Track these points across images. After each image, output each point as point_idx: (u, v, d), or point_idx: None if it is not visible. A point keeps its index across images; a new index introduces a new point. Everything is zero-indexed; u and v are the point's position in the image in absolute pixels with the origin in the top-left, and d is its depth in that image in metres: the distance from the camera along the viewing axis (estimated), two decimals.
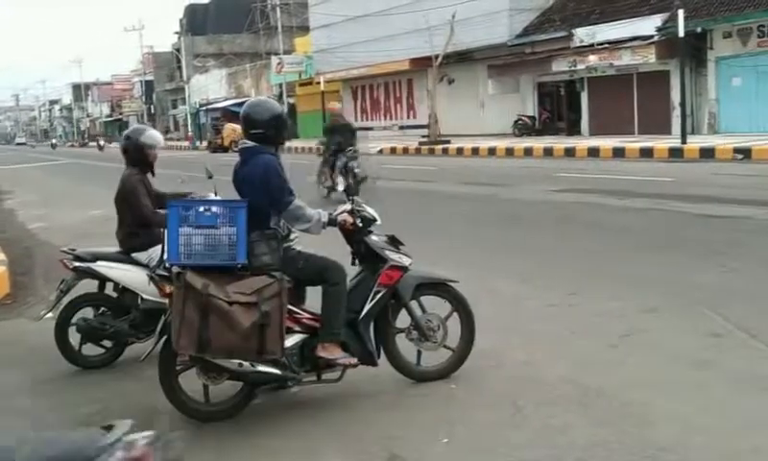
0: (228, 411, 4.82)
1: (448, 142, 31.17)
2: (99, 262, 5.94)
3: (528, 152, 25.67)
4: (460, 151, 28.71)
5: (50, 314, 6.13)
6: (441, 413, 4.69)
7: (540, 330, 6.26)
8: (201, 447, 4.53)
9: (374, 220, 5.11)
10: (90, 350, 6.04)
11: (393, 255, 5.07)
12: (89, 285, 6.15)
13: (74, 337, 5.99)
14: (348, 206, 5.03)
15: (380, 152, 32.71)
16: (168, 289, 4.57)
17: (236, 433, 4.64)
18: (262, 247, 4.69)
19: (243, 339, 4.42)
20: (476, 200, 15.14)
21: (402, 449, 4.24)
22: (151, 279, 4.88)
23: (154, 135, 6.31)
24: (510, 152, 26.37)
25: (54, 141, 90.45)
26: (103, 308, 6.08)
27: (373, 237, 5.10)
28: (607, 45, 27.51)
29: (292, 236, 4.98)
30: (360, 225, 5.00)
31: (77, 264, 5.93)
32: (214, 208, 4.65)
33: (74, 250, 6.08)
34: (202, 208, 4.65)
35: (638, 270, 8.08)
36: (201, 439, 4.62)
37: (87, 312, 6.06)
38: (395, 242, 5.16)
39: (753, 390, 4.74)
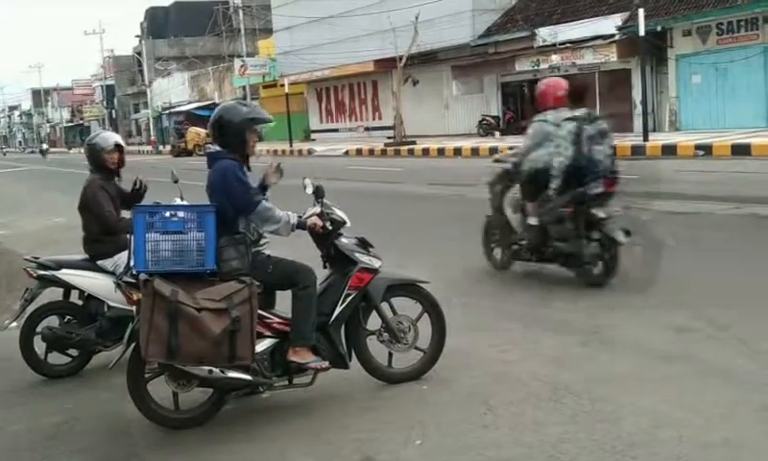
0: (199, 418, 4.77)
1: (414, 143, 31.24)
2: (63, 270, 5.85)
3: (494, 151, 25.62)
4: (426, 151, 28.77)
5: (14, 323, 6.04)
6: (413, 414, 4.69)
7: (508, 329, 6.29)
8: (173, 454, 4.50)
9: (344, 222, 5.09)
10: (56, 359, 5.95)
11: (363, 258, 5.05)
12: (54, 294, 6.07)
13: (39, 346, 5.89)
14: (317, 209, 5.00)
15: (346, 153, 32.73)
16: (135, 297, 4.51)
17: (209, 440, 4.59)
18: (231, 252, 4.64)
19: (213, 346, 4.38)
20: (443, 200, 15.18)
21: (376, 452, 4.23)
22: (117, 286, 4.82)
23: (106, 137, 6.20)
24: (475, 152, 26.47)
25: (44, 146, 69.64)
26: (68, 317, 5.99)
27: (343, 240, 5.08)
28: (569, 45, 27.77)
29: (261, 241, 4.94)
30: (330, 228, 4.98)
31: (41, 272, 5.84)
32: (181, 214, 4.60)
33: (38, 258, 5.99)
34: (168, 214, 4.60)
35: None
36: (172, 446, 4.58)
37: (53, 321, 5.97)
38: (364, 244, 5.15)
39: (721, 383, 4.80)
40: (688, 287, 7.02)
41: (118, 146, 6.14)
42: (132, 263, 4.61)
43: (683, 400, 4.58)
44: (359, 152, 32.47)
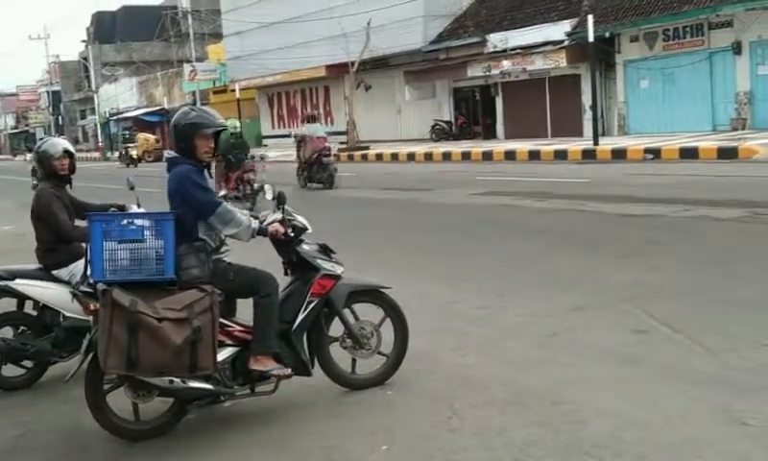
0: (160, 429, 4.68)
1: (367, 148, 31.27)
2: (18, 280, 5.70)
3: (447, 156, 25.94)
4: (379, 156, 28.84)
5: None
6: (378, 420, 4.68)
7: (470, 333, 6.31)
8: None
9: (305, 229, 5.04)
10: (10, 371, 5.80)
11: (325, 264, 5.01)
12: (8, 304, 5.92)
13: None
14: (278, 216, 4.95)
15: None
16: (93, 307, 4.41)
17: (171, 450, 4.52)
18: (191, 260, 4.58)
19: (174, 356, 4.30)
20: (399, 205, 15.21)
21: (343, 457, 4.21)
22: (74, 296, 4.72)
23: (54, 143, 6.06)
24: (429, 156, 26.61)
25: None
26: (23, 327, 5.84)
27: (305, 246, 5.03)
28: (519, 51, 28.05)
29: (222, 248, 4.88)
30: (292, 234, 4.93)
31: None
32: (138, 221, 4.52)
33: None
34: (125, 222, 4.51)
35: (562, 270, 8.25)
36: (133, 458, 4.49)
37: (6, 332, 5.82)
38: (326, 250, 5.12)
39: (680, 383, 4.87)
40: (643, 289, 7.12)
41: (67, 152, 6.00)
42: (89, 273, 4.52)
43: (643, 401, 4.63)
44: None
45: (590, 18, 22.09)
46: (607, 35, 25.39)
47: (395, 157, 28.02)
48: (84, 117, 75.43)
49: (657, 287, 7.18)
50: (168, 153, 4.88)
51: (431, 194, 16.33)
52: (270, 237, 4.87)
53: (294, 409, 4.96)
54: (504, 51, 28.62)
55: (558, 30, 26.96)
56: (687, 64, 24.25)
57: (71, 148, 6.12)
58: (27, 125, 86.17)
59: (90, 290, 4.47)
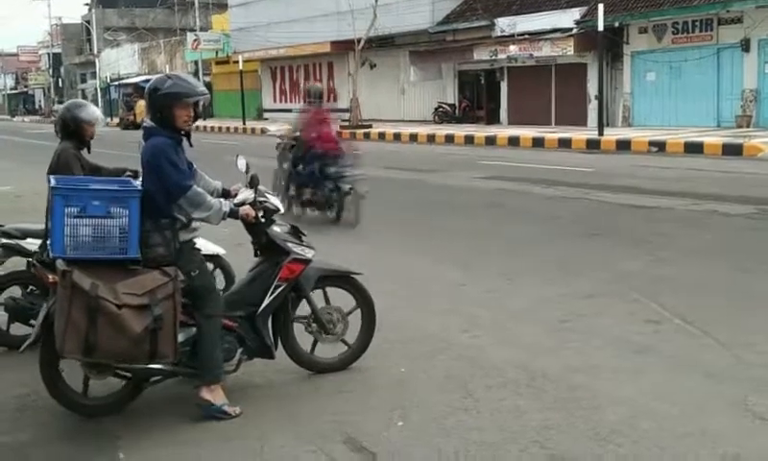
0: (115, 405, 4.55)
1: (370, 127, 31.13)
2: (29, 240, 5.66)
3: (449, 139, 25.84)
4: (382, 136, 28.71)
5: None
6: (392, 396, 4.65)
7: (481, 315, 6.28)
8: (142, 430, 4.37)
9: (277, 210, 4.90)
10: (18, 329, 5.75)
11: (295, 248, 4.87)
12: (17, 263, 5.88)
13: (1, 317, 5.72)
14: (250, 197, 4.78)
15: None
16: (51, 278, 4.22)
17: (181, 417, 4.49)
18: (156, 238, 4.39)
19: (134, 344, 4.14)
20: (404, 185, 15.12)
21: (357, 432, 4.18)
22: (33, 267, 4.56)
23: (93, 112, 5.97)
24: (431, 138, 26.50)
25: None
26: (31, 287, 5.80)
27: (275, 228, 4.88)
28: (527, 36, 27.90)
29: (193, 224, 4.63)
30: (263, 220, 4.78)
31: (5, 241, 5.65)
32: (104, 195, 4.30)
33: (2, 226, 5.78)
34: (90, 195, 4.29)
35: (571, 257, 8.22)
36: (144, 421, 4.46)
37: (15, 291, 5.78)
38: (297, 233, 5.00)
39: (694, 375, 4.86)
40: (653, 280, 7.11)
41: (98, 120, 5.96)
42: (48, 246, 4.33)
43: (657, 391, 4.62)
44: None
45: (601, 7, 21.94)
46: (616, 24, 25.25)
47: (397, 136, 27.91)
48: (84, 81, 74.84)
49: (667, 279, 7.16)
50: (146, 121, 4.62)
51: (435, 175, 16.27)
52: (241, 219, 4.73)
53: (301, 383, 4.94)
54: (512, 36, 28.42)
55: (567, 17, 26.78)
56: (695, 59, 24.15)
57: (101, 115, 6.07)
58: (26, 86, 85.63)
59: (49, 261, 4.30)
